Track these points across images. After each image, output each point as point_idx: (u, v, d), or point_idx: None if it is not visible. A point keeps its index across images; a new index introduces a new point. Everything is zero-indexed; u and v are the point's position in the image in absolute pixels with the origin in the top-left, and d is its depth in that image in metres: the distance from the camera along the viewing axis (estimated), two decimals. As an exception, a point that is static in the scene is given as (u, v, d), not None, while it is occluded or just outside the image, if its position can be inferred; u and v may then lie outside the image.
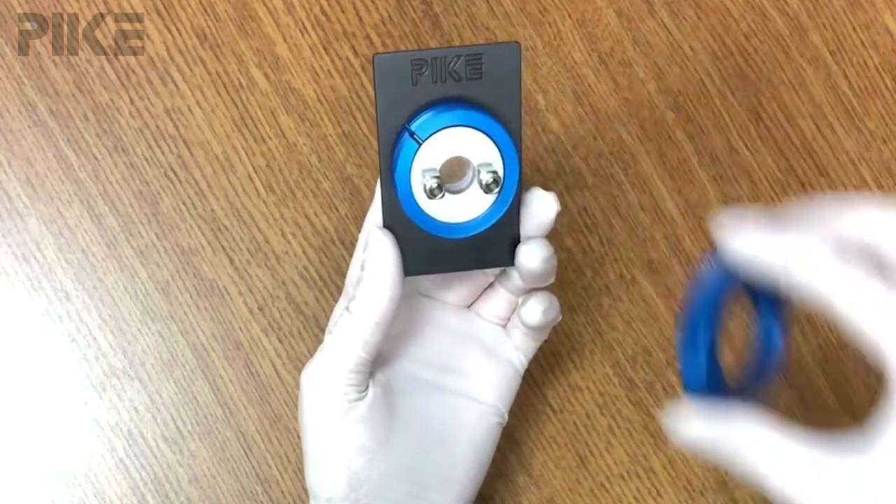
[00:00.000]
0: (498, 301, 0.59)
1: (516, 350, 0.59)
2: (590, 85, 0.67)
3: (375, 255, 0.55)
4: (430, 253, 0.56)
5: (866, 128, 0.68)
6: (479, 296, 0.60)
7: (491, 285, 0.59)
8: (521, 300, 0.59)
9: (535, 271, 0.56)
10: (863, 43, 0.68)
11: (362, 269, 0.55)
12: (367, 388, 0.55)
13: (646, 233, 0.67)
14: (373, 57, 0.53)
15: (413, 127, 0.53)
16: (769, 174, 0.67)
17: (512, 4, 0.67)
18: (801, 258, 0.44)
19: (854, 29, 0.68)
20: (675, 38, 0.68)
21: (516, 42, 0.53)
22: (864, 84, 0.68)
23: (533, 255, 0.56)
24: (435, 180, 0.53)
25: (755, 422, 0.45)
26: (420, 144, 0.53)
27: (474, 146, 0.54)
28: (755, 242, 0.45)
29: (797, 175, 0.68)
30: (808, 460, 0.43)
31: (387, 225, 0.55)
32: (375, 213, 0.56)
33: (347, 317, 0.55)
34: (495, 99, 0.54)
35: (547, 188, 0.56)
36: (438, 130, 0.53)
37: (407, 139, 0.53)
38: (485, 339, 0.59)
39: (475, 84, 0.53)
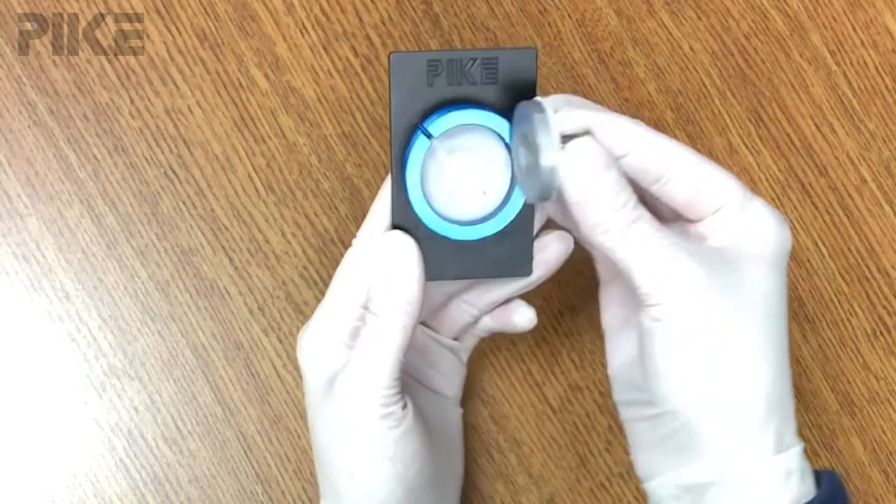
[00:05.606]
0: (456, 315, 0.60)
1: (464, 347, 0.62)
2: (590, 85, 0.67)
3: (400, 258, 0.53)
4: (441, 257, 0.55)
5: (866, 128, 0.68)
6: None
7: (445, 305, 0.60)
8: (511, 306, 0.59)
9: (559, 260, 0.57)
10: (863, 43, 0.68)
11: (383, 275, 0.54)
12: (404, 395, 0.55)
13: (646, 233, 0.67)
14: (389, 55, 0.52)
15: (427, 126, 0.53)
16: (769, 174, 0.67)
17: (512, 4, 0.67)
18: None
19: (854, 29, 0.68)
20: (675, 38, 0.68)
21: (533, 47, 0.52)
22: (864, 84, 0.68)
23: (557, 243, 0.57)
24: None
25: None
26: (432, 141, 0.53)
27: (486, 145, 0.53)
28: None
29: (797, 175, 0.68)
30: None
31: (395, 225, 0.54)
32: (380, 212, 0.55)
33: (377, 324, 0.53)
34: (511, 104, 0.53)
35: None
36: (452, 129, 0.53)
37: (420, 137, 0.53)
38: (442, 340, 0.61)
39: (491, 89, 0.53)
